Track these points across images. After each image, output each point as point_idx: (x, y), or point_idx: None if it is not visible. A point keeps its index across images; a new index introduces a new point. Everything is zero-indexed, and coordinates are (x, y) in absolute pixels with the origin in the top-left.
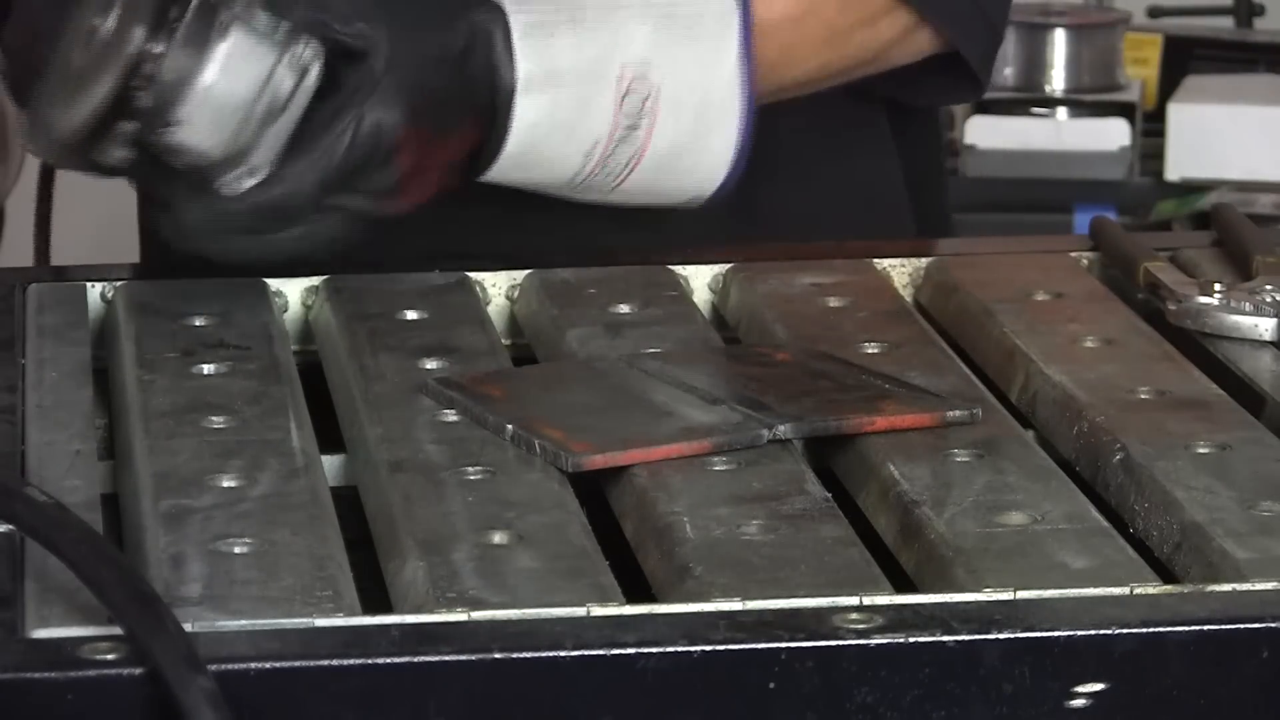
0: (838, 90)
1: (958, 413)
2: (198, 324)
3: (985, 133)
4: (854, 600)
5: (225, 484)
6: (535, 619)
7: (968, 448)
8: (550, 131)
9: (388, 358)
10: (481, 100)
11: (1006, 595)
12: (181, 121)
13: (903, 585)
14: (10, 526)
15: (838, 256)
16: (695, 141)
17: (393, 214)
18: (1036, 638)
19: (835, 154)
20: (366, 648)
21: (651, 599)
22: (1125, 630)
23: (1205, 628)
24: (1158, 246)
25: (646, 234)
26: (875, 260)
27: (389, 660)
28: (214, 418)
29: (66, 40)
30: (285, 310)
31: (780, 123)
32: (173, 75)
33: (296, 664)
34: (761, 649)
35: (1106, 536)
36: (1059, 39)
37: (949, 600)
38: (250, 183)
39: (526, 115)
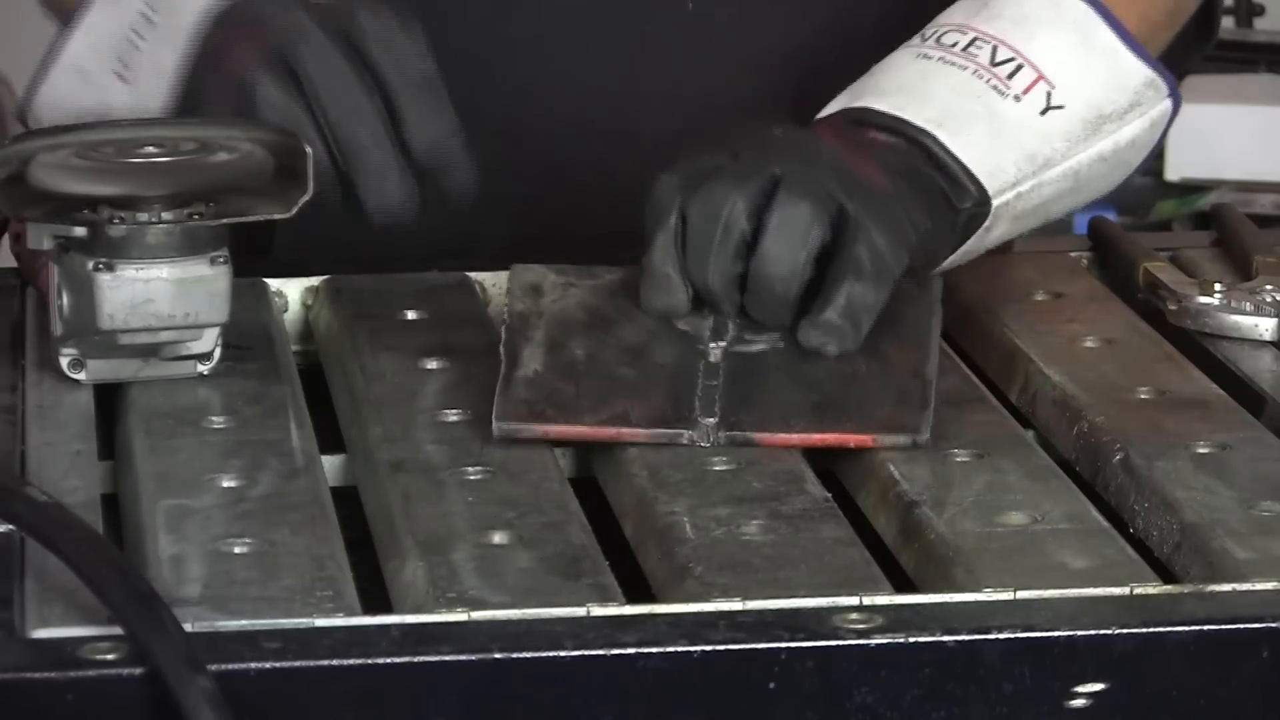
0: None
1: (899, 438)
2: None
3: None
4: (854, 600)
5: (225, 484)
6: (535, 619)
7: (968, 448)
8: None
9: (388, 358)
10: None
11: (1006, 595)
12: None
13: (903, 585)
14: (10, 526)
15: None
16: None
17: None
18: (1036, 638)
19: None
20: (366, 648)
21: (651, 599)
22: (1125, 630)
23: (1205, 628)
24: (1158, 246)
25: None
26: None
27: (389, 660)
28: (214, 418)
29: None
30: (285, 310)
31: None
32: None
33: (296, 664)
34: (761, 649)
35: (1106, 536)
36: None
37: (949, 600)
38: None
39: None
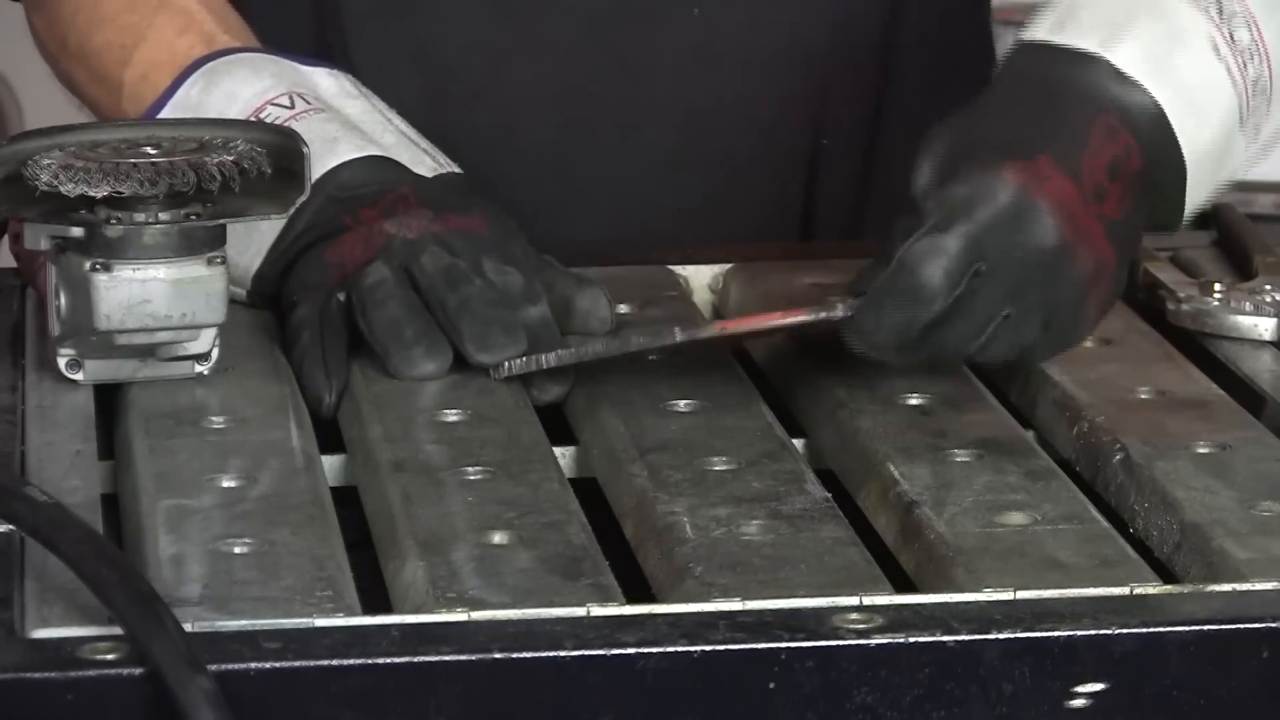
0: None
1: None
2: None
3: None
4: (854, 600)
5: (225, 484)
6: (535, 619)
7: (968, 448)
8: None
9: None
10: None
11: (1006, 595)
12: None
13: (903, 585)
14: (10, 526)
15: (838, 256)
16: None
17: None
18: (1036, 638)
19: None
20: (366, 648)
21: (651, 599)
22: (1125, 630)
23: (1205, 628)
24: (1158, 246)
25: (647, 234)
26: None
27: (389, 660)
28: (214, 418)
29: None
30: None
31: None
32: None
33: (296, 664)
34: (761, 649)
35: (1106, 536)
36: None
37: (949, 600)
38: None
39: (1185, 131)
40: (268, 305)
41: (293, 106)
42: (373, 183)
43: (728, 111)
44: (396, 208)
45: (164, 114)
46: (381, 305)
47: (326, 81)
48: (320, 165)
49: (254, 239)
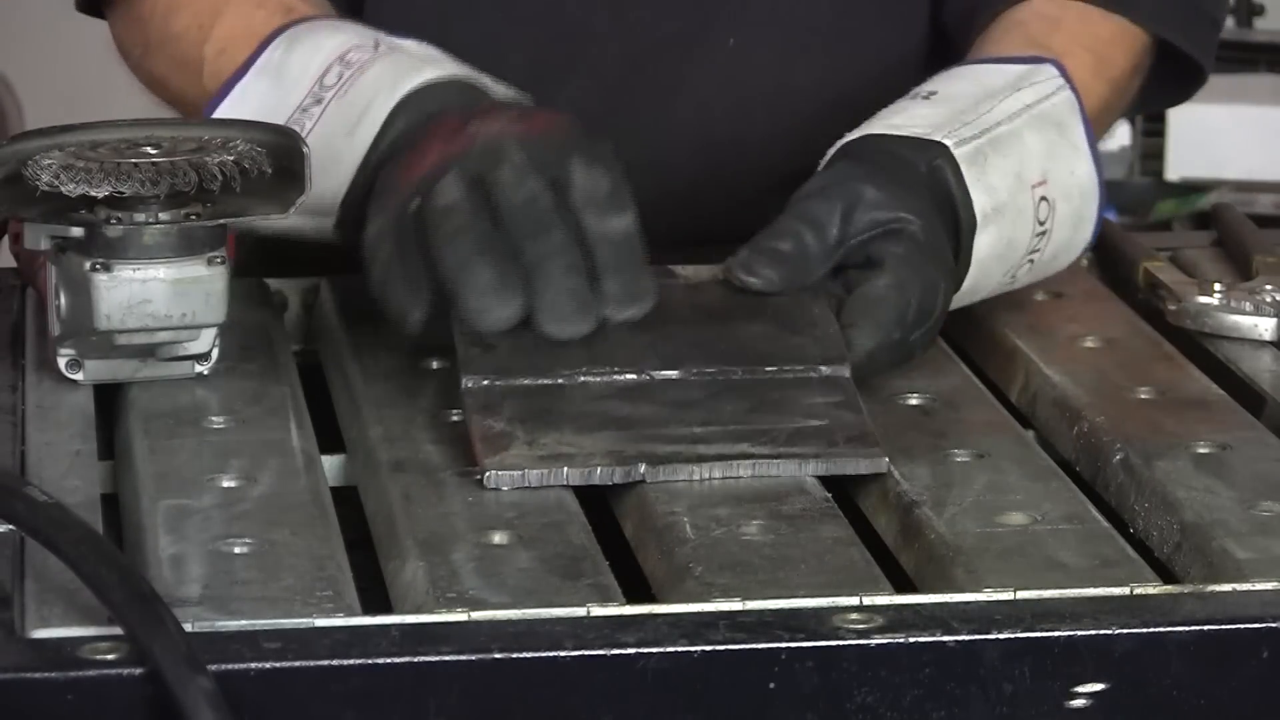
0: None
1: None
2: None
3: None
4: (854, 600)
5: (225, 484)
6: (535, 619)
7: (968, 448)
8: (993, 260)
9: (388, 358)
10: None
11: (1006, 595)
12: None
13: (903, 585)
14: (10, 526)
15: None
16: (1075, 234)
17: None
18: (1036, 638)
19: None
20: (366, 648)
21: (651, 599)
22: (1125, 630)
23: (1205, 628)
24: (1158, 246)
25: (661, 260)
26: None
27: (389, 660)
28: (214, 418)
29: None
30: (285, 310)
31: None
32: None
33: (296, 664)
34: (761, 649)
35: (1106, 536)
36: None
37: (949, 600)
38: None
39: (981, 251)
40: (353, 234)
41: (376, 48)
42: (462, 98)
43: (751, 145)
44: (479, 112)
45: (247, 78)
46: (452, 241)
47: (414, 46)
48: (406, 84)
49: (341, 164)
